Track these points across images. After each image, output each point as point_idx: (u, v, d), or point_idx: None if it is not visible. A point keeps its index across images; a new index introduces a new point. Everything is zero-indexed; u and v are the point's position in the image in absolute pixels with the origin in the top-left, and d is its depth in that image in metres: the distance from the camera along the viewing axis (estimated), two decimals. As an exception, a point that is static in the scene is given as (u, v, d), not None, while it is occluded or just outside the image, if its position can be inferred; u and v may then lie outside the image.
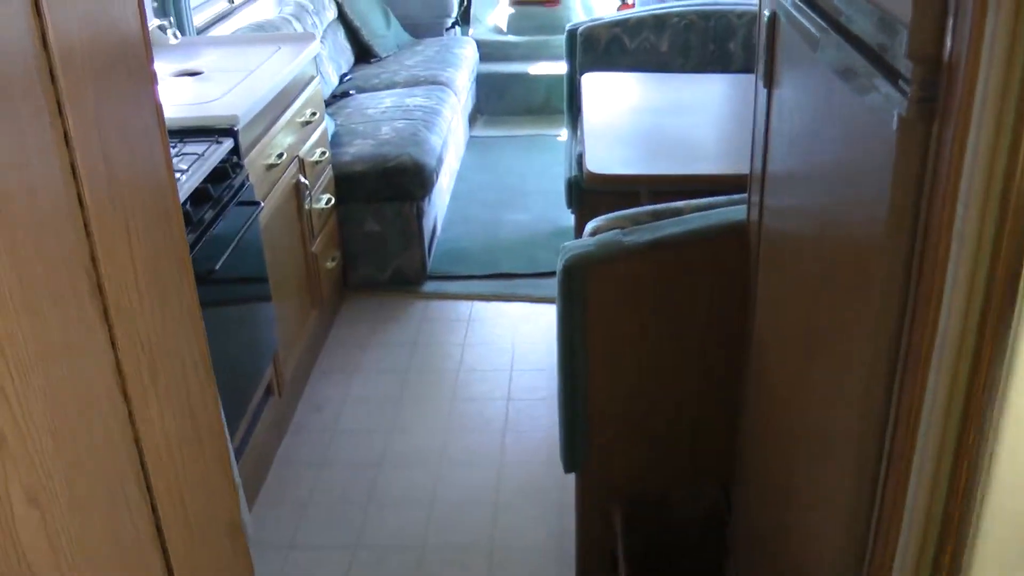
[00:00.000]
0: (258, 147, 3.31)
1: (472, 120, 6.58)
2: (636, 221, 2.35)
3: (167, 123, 3.06)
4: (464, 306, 4.39)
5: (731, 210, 2.28)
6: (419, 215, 4.41)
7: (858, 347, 1.34)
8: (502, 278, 4.54)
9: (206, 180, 2.85)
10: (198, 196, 2.79)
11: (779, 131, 1.85)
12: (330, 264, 4.15)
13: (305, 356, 3.89)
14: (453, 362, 4.01)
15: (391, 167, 4.31)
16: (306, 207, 3.79)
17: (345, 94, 5.37)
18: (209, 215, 2.84)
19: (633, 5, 6.42)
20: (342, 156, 4.39)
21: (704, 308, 2.34)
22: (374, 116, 4.88)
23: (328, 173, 4.18)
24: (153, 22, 3.86)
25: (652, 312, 2.35)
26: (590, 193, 3.93)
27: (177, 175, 2.75)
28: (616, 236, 2.29)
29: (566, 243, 2.36)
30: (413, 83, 5.50)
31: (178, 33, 3.80)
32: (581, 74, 4.52)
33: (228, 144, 3.03)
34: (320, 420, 3.71)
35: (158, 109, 1.57)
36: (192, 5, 4.58)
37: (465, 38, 6.74)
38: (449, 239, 4.90)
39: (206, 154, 2.91)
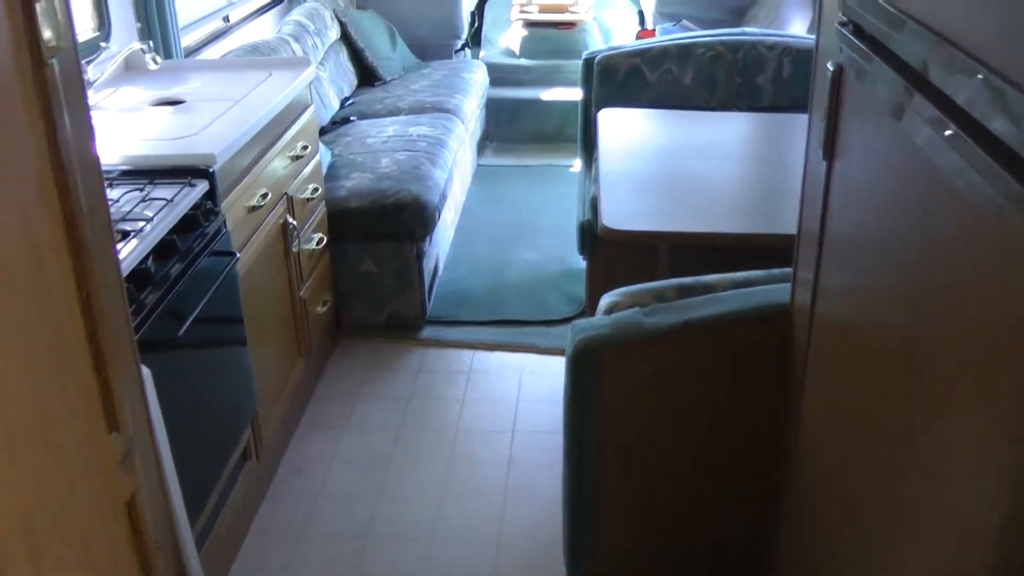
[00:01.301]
0: (240, 187, 2.99)
1: (480, 148, 6.25)
2: (660, 297, 2.02)
3: (136, 160, 2.78)
4: (465, 356, 4.06)
5: (772, 289, 1.96)
6: (419, 256, 4.09)
7: (977, 469, 1.03)
8: (507, 325, 4.21)
9: (174, 230, 2.53)
10: (163, 249, 2.47)
11: (842, 206, 1.52)
12: (320, 309, 3.82)
13: (289, 410, 3.57)
14: (451, 419, 3.68)
15: (389, 204, 3.99)
16: (294, 249, 3.47)
17: (346, 120, 5.06)
18: (176, 269, 2.52)
19: (654, 32, 6.10)
20: (337, 190, 4.07)
21: (736, 404, 2.01)
22: (374, 146, 4.56)
23: (321, 210, 3.86)
24: (133, 45, 3.55)
25: (675, 405, 2.03)
26: (604, 240, 3.61)
27: (141, 224, 2.44)
28: (636, 316, 1.96)
29: (577, 321, 2.04)
30: (418, 110, 5.18)
31: (158, 58, 3.48)
32: (597, 107, 4.21)
33: (202, 187, 2.71)
34: (302, 484, 3.38)
35: (60, 170, 1.24)
36: (185, 23, 4.28)
37: (475, 61, 6.42)
38: (452, 280, 4.58)
39: (176, 199, 2.59)
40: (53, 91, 1.68)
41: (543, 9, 7.12)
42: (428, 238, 4.15)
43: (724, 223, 2.82)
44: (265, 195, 3.16)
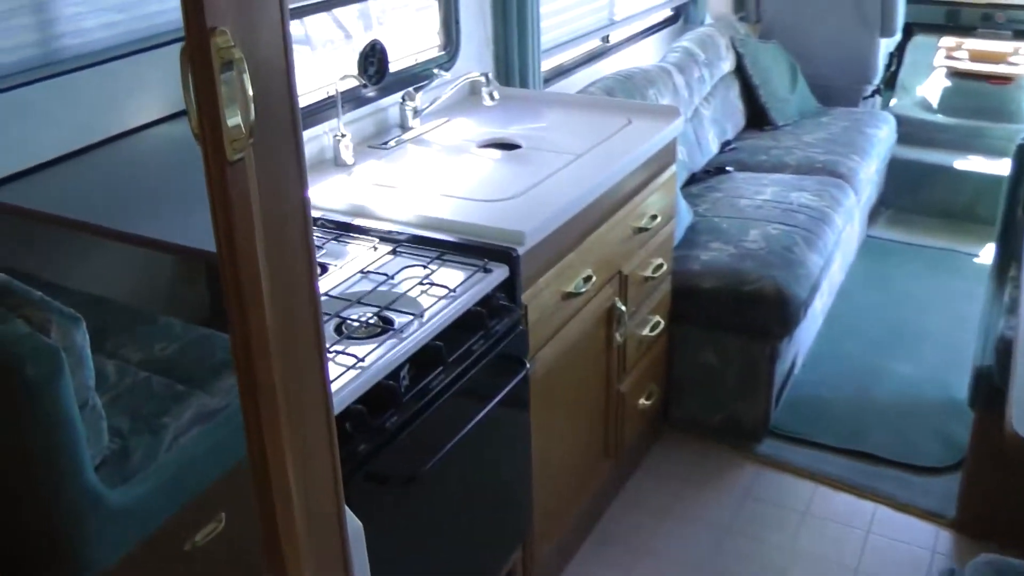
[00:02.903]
0: (555, 270, 2.43)
1: (873, 216, 5.37)
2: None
3: (432, 224, 2.28)
4: (804, 488, 3.31)
5: None
6: (772, 357, 3.38)
7: None
8: (863, 459, 3.41)
9: (444, 334, 1.99)
10: (424, 357, 1.94)
11: None
12: (643, 402, 3.21)
13: (579, 521, 2.99)
14: (768, 574, 2.98)
15: (747, 292, 3.30)
16: (618, 338, 2.88)
17: (721, 169, 4.39)
18: (438, 383, 1.98)
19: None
20: (690, 262, 3.42)
21: None
22: (746, 210, 3.87)
23: (664, 289, 3.24)
24: (471, 75, 3.06)
25: None
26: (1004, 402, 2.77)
27: (407, 319, 1.94)
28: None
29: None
30: (806, 169, 4.43)
31: (496, 93, 2.97)
32: (1027, 209, 3.38)
33: (499, 275, 2.16)
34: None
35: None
36: (555, 42, 3.78)
37: (883, 114, 5.52)
38: (808, 382, 3.82)
39: (459, 290, 2.06)
40: (237, 194, 1.18)
41: (975, 57, 6.10)
42: (787, 339, 3.43)
43: None
44: (588, 278, 2.58)
